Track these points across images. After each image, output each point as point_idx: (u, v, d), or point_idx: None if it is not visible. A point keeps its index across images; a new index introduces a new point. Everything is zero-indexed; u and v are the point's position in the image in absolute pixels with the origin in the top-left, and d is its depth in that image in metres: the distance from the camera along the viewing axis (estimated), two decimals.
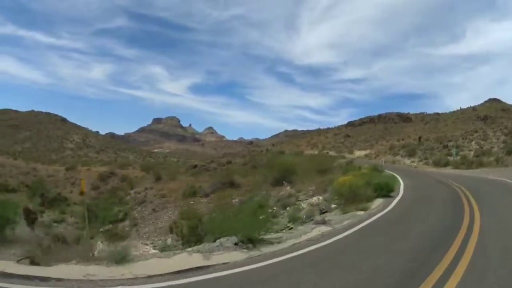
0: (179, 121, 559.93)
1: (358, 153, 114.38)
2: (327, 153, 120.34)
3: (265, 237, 9.63)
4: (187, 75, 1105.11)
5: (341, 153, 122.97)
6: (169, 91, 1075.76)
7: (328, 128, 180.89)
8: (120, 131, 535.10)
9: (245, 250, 8.70)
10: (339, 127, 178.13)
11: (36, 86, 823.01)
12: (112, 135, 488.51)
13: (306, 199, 21.94)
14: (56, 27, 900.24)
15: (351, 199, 16.14)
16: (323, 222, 12.20)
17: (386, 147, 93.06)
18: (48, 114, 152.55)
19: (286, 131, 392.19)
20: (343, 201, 16.49)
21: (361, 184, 17.89)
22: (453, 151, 50.15)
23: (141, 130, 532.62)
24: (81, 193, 12.58)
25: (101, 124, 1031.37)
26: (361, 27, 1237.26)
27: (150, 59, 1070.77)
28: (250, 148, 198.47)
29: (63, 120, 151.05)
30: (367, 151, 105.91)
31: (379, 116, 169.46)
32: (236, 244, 9.11)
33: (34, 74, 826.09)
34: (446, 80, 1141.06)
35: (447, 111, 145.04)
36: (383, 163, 45.28)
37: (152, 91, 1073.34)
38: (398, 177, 29.19)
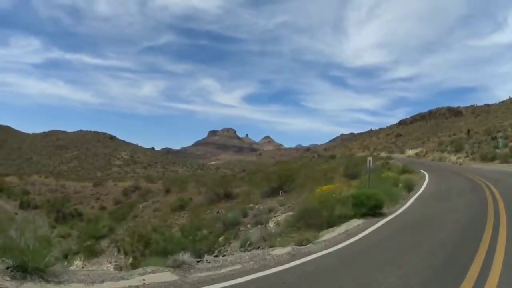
0: (235, 132, 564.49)
1: (409, 152, 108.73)
2: (378, 154, 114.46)
3: None
4: (240, 86, 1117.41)
5: (392, 153, 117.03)
6: (223, 103, 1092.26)
7: (380, 129, 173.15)
8: (176, 146, 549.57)
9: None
10: (390, 127, 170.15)
11: (86, 107, 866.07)
12: (168, 150, 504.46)
13: (278, 216, 17.95)
14: (102, 48, 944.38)
15: (313, 218, 11.79)
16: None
17: (436, 143, 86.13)
18: (96, 133, 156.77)
19: (342, 135, 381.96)
20: (301, 222, 12.30)
21: (341, 195, 13.69)
22: (499, 141, 43.35)
23: (197, 144, 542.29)
24: None
25: (156, 140, 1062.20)
26: (406, 24, 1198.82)
27: (201, 72, 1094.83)
28: (303, 154, 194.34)
29: (112, 138, 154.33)
30: (418, 150, 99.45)
31: (430, 112, 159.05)
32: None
33: (83, 95, 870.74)
34: (495, 71, 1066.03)
35: (498, 102, 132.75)
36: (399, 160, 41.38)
37: (206, 104, 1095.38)
38: (426, 179, 24.85)
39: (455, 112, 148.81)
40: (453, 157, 55.23)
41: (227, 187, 29.58)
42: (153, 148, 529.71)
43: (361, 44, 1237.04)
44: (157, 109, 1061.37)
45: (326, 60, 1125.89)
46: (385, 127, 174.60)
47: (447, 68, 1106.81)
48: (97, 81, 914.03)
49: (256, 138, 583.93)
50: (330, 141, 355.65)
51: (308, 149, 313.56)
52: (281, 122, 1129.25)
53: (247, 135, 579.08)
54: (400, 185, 20.98)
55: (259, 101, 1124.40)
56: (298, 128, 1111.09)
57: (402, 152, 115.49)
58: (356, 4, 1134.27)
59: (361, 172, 29.02)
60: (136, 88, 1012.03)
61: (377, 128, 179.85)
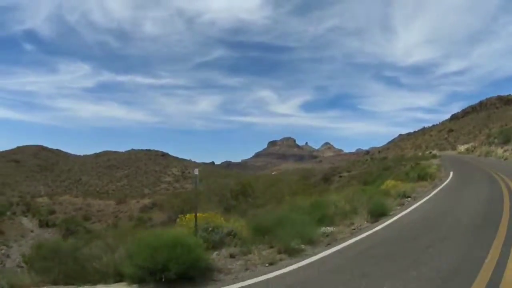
0: (294, 141, 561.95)
1: (461, 148, 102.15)
2: (430, 152, 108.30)
3: None
4: (296, 94, 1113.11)
5: (444, 150, 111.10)
6: (281, 112, 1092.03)
7: (433, 126, 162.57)
8: (237, 159, 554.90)
9: None
10: (442, 123, 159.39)
11: (142, 126, 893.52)
12: (228, 164, 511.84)
13: None
14: (154, 68, 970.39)
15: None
16: None
17: (485, 136, 79.40)
18: (148, 151, 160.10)
19: (400, 135, 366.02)
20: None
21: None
22: None
23: (258, 155, 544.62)
24: None
25: (216, 155, 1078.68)
26: (452, 16, 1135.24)
27: (256, 84, 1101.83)
28: (361, 157, 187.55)
29: (164, 155, 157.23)
30: (469, 145, 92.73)
31: (480, 103, 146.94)
32: None
33: (139, 115, 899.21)
34: None
35: None
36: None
37: (264, 115, 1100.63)
38: (433, 191, 18.55)
39: (506, 101, 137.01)
40: (500, 151, 49.97)
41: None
42: (212, 163, 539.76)
43: (410, 41, 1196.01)
44: (215, 123, 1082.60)
45: (378, 61, 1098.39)
46: (438, 123, 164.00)
47: (496, 57, 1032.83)
48: (152, 100, 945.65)
49: (316, 145, 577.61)
50: (389, 142, 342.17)
51: (367, 152, 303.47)
52: (339, 127, 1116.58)
53: (306, 143, 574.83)
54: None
55: (316, 108, 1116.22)
56: (357, 132, 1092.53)
57: (454, 148, 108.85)
58: (402, 0, 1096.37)
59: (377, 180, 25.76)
60: (192, 105, 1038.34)
61: (430, 125, 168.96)
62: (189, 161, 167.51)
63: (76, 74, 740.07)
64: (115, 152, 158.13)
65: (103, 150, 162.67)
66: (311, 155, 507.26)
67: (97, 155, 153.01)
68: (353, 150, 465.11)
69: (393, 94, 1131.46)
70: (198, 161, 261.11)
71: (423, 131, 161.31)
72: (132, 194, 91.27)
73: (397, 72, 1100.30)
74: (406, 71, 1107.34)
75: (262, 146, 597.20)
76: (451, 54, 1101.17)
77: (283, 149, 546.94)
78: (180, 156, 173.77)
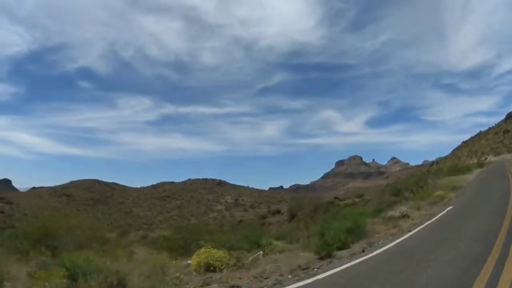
0: (361, 159, 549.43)
1: None
2: (485, 159, 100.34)
3: None
4: (360, 112, 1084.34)
5: (499, 155, 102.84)
6: (347, 131, 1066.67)
7: (489, 129, 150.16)
8: (306, 181, 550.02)
9: None
10: (498, 124, 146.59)
11: (208, 155, 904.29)
12: (297, 187, 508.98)
13: None
14: (215, 97, 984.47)
15: None
16: None
17: None
18: (205, 180, 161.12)
19: (463, 142, 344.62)
20: None
21: None
22: None
23: (326, 176, 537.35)
24: None
25: (285, 178, 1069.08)
26: (498, 14, 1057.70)
27: (320, 104, 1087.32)
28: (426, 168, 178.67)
29: (220, 183, 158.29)
30: None
31: None
32: None
33: (204, 145, 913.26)
34: None
35: None
36: None
37: (330, 136, 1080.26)
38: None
39: None
40: None
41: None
42: (281, 187, 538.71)
43: (463, 45, 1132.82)
44: (282, 148, 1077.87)
45: (435, 69, 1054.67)
46: (493, 125, 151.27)
47: None
48: (218, 129, 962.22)
49: (383, 161, 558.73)
50: (454, 150, 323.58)
51: (433, 163, 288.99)
52: (405, 140, 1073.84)
53: (373, 159, 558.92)
54: None
55: (381, 123, 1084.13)
56: (422, 143, 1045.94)
57: (511, 151, 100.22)
58: (449, 5, 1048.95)
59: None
60: (258, 131, 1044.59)
61: (486, 128, 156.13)
62: (246, 187, 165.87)
63: (137, 108, 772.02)
64: (172, 182, 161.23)
65: (164, 180, 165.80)
66: (378, 171, 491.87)
67: (153, 187, 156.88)
68: (420, 163, 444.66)
69: (453, 101, 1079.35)
70: (266, 187, 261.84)
71: (479, 135, 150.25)
72: (173, 225, 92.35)
73: (454, 78, 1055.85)
74: (463, 76, 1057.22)
75: (330, 166, 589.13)
76: (503, 53, 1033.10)
77: (350, 168, 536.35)
78: (249, 184, 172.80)
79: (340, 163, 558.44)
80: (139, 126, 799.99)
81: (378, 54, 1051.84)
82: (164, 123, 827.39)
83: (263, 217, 78.66)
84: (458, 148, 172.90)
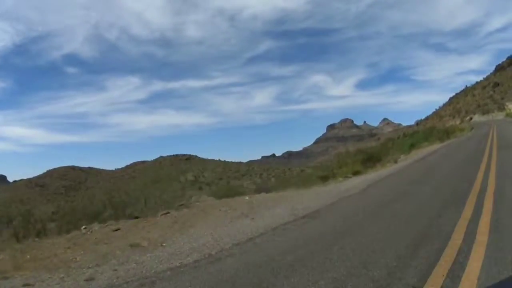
0: (352, 122, 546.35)
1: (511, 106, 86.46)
2: (470, 119, 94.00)
3: None
4: (350, 74, 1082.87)
5: (488, 113, 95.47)
6: (337, 95, 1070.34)
7: (476, 83, 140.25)
8: (298, 147, 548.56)
9: None
10: (486, 78, 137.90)
11: (201, 128, 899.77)
12: (289, 153, 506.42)
13: None
14: (204, 70, 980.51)
15: None
16: None
17: None
18: (175, 156, 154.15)
19: (449, 99, 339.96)
20: None
21: None
22: None
23: (318, 141, 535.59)
24: None
25: (278, 146, 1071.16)
26: None
27: (308, 70, 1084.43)
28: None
29: (188, 158, 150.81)
30: None
31: None
32: None
33: (196, 118, 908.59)
34: None
35: None
36: None
37: (321, 100, 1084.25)
38: None
39: None
40: None
41: None
42: (273, 155, 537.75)
43: (451, 4, 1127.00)
44: (274, 115, 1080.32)
45: (423, 29, 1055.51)
46: (482, 79, 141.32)
47: None
48: (208, 102, 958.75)
49: (375, 123, 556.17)
50: (437, 109, 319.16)
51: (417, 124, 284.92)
52: (396, 101, 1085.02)
53: (365, 122, 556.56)
54: None
55: (372, 85, 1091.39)
56: (414, 103, 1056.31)
57: (502, 108, 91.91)
58: None
59: None
60: (248, 100, 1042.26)
61: (474, 82, 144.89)
62: (217, 161, 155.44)
63: (126, 88, 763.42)
64: (144, 162, 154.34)
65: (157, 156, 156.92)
66: (370, 133, 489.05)
67: (126, 168, 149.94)
68: (412, 123, 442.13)
69: (443, 60, 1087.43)
70: (259, 156, 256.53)
71: (466, 91, 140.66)
72: None
73: (443, 37, 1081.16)
74: (452, 36, 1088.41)
75: (321, 131, 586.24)
76: (492, 11, 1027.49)
77: (342, 132, 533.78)
78: (211, 157, 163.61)
79: (331, 127, 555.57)
80: (130, 106, 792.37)
81: (365, 16, 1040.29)
82: (155, 100, 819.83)
83: None
84: (444, 106, 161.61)
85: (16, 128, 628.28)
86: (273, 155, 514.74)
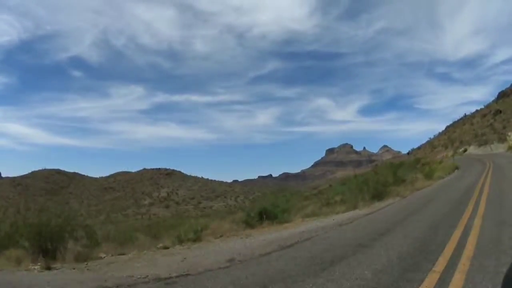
0: (351, 147, 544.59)
1: None
2: (465, 151, 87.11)
3: None
4: (353, 100, 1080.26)
5: (486, 145, 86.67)
6: (339, 119, 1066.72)
7: (476, 111, 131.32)
8: (296, 170, 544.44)
9: None
10: (488, 105, 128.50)
11: (201, 143, 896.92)
12: (286, 175, 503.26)
13: None
14: (208, 86, 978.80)
15: None
16: None
17: None
18: (157, 169, 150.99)
19: (446, 128, 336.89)
20: None
21: None
22: None
23: (316, 164, 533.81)
24: None
25: (275, 167, 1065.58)
26: (493, 3, 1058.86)
27: (313, 93, 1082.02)
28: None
29: (170, 173, 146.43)
30: None
31: None
32: None
33: (197, 133, 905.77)
34: None
35: None
36: None
37: (322, 124, 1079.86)
38: None
39: None
40: None
41: None
42: (270, 175, 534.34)
43: (458, 35, 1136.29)
44: (275, 135, 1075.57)
45: (429, 58, 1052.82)
46: (483, 107, 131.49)
47: None
48: (210, 118, 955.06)
49: (374, 149, 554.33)
50: (431, 138, 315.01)
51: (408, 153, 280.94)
52: (398, 129, 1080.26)
53: (364, 148, 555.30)
54: None
55: (374, 111, 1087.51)
56: (415, 132, 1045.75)
57: (502, 139, 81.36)
58: None
59: None
60: (251, 119, 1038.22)
61: (474, 110, 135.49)
62: (198, 178, 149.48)
63: (129, 97, 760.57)
64: (127, 172, 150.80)
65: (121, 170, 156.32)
66: (369, 159, 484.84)
67: (108, 177, 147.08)
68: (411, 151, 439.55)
69: (447, 90, 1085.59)
70: (255, 175, 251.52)
71: (463, 120, 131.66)
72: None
73: (449, 67, 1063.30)
74: (457, 66, 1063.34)
75: (321, 154, 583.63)
76: (498, 43, 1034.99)
77: (341, 156, 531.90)
78: (195, 174, 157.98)
79: (330, 151, 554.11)
80: (131, 115, 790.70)
81: (372, 43, 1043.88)
82: (157, 112, 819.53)
83: None
84: (439, 135, 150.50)
85: (15, 125, 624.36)
86: (270, 175, 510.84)
